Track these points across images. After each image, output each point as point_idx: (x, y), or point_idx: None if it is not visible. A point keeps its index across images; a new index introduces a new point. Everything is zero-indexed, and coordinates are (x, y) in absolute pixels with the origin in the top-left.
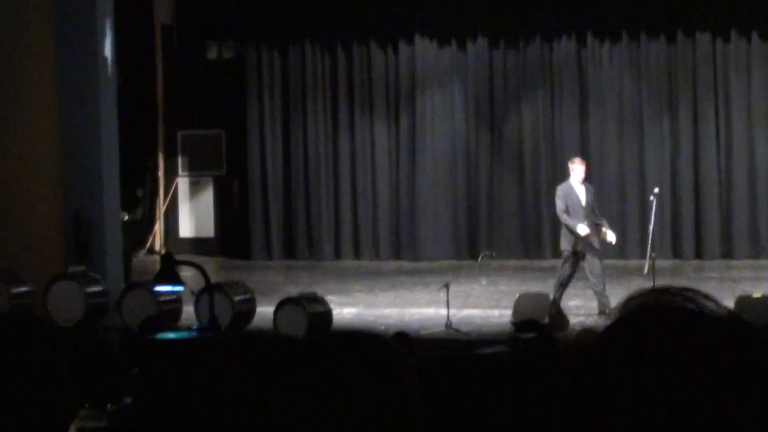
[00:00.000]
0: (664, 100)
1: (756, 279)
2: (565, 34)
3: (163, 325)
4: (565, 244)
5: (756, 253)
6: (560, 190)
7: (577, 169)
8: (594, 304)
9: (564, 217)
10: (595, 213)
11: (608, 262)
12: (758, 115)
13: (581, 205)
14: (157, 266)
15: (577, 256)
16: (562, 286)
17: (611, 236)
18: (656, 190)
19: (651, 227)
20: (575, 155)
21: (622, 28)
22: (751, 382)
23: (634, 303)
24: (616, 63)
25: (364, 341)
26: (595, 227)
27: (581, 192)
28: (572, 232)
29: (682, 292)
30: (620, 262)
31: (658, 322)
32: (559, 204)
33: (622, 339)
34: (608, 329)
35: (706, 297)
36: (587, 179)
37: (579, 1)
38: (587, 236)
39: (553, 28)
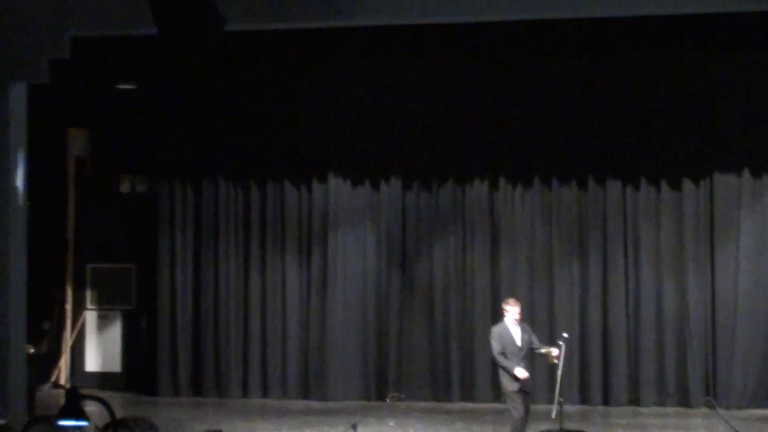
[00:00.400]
0: (574, 245)
1: (662, 427)
2: (478, 178)
3: None
4: (506, 384)
5: (662, 401)
6: (494, 331)
7: (511, 310)
8: None
9: (500, 359)
10: (533, 353)
11: None
12: (666, 263)
13: (517, 347)
14: (62, 400)
15: (520, 392)
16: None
17: (555, 351)
18: (565, 335)
19: (559, 372)
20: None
21: (533, 173)
22: None
23: None
24: (527, 207)
25: None
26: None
27: (516, 333)
28: (510, 373)
29: None
30: None
31: None
32: (495, 346)
33: None
34: None
35: None
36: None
37: (492, 145)
38: (525, 379)
39: (466, 172)
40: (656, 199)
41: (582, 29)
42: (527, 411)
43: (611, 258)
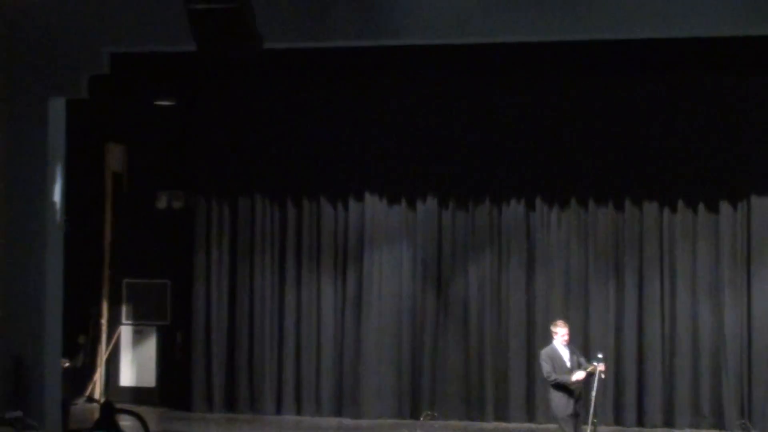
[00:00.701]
0: (611, 267)
1: None
2: (515, 198)
3: None
4: (559, 409)
5: (697, 423)
6: (545, 353)
7: (560, 332)
8: None
9: (553, 377)
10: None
11: (552, 426)
12: (702, 286)
13: (567, 368)
14: (96, 414)
15: (573, 416)
16: None
17: (601, 366)
18: (600, 355)
19: (593, 393)
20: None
21: (570, 194)
22: None
23: None
24: (563, 228)
25: None
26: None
27: (565, 354)
28: (566, 387)
29: None
30: None
31: None
32: (546, 367)
33: None
34: None
35: None
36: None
37: (529, 166)
38: (580, 382)
39: (502, 192)
40: (693, 222)
41: (621, 51)
42: None
43: (647, 280)
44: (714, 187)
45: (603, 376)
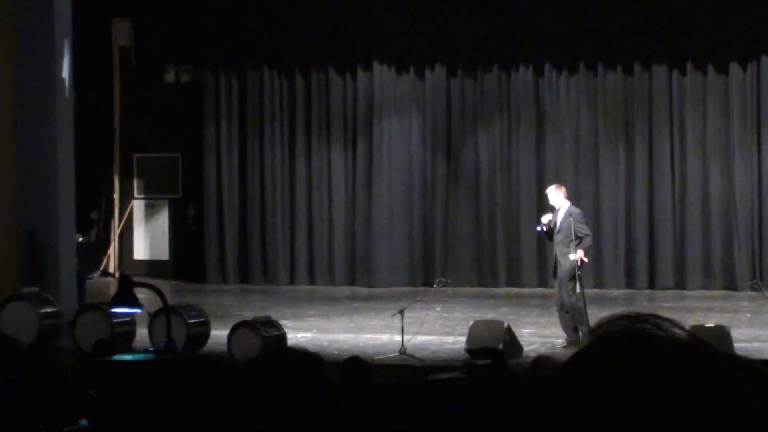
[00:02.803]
0: (620, 131)
1: (708, 309)
2: (523, 64)
3: (116, 347)
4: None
5: (708, 284)
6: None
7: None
8: (547, 332)
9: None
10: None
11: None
12: (712, 148)
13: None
14: (111, 288)
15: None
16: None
17: (580, 253)
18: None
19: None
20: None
21: (579, 59)
22: (717, 407)
23: (603, 329)
24: (572, 93)
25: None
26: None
27: (557, 215)
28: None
29: (650, 318)
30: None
31: (626, 348)
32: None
33: (591, 365)
34: (578, 354)
35: (674, 324)
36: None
37: (537, 32)
38: (548, 223)
39: (510, 58)
40: (702, 84)
41: None
42: (560, 298)
43: (657, 143)
44: (723, 48)
45: (579, 264)
